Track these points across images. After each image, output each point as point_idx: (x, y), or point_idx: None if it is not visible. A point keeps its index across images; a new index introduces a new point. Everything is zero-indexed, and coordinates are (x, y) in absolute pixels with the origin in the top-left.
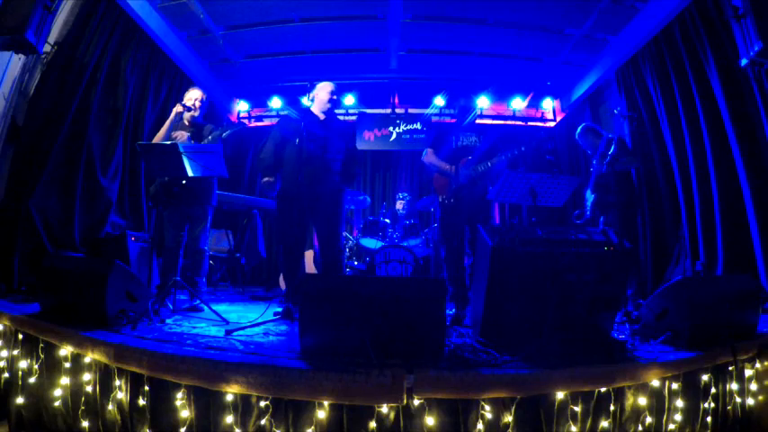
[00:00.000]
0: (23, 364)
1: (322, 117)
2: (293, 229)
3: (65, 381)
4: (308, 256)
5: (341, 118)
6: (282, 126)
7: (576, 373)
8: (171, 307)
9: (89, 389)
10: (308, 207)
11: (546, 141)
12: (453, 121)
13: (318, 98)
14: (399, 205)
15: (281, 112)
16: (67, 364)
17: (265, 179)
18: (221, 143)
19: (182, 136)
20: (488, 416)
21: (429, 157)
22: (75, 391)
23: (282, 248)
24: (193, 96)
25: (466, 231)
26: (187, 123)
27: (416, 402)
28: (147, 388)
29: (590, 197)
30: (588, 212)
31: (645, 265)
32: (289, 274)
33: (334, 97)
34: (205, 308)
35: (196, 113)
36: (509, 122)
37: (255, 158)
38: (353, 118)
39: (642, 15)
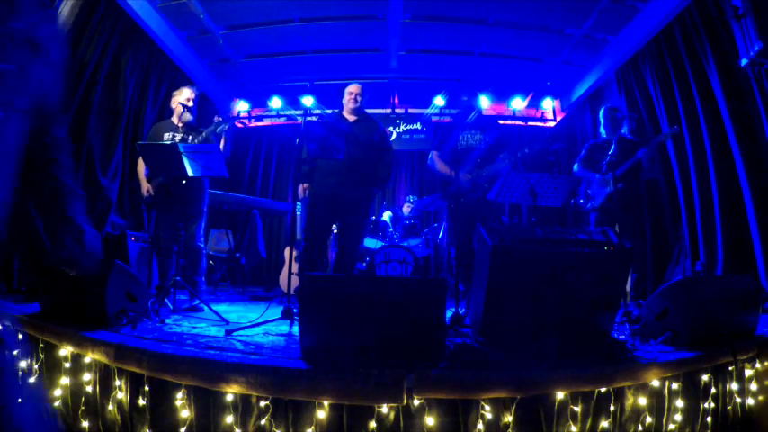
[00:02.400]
0: (23, 364)
1: (351, 119)
2: (322, 234)
3: (65, 381)
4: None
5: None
6: (317, 127)
7: (576, 373)
8: (171, 307)
9: (89, 389)
10: (338, 211)
11: (552, 142)
12: (452, 120)
13: (344, 101)
14: (407, 209)
15: (314, 111)
16: (67, 364)
17: (302, 186)
18: (216, 140)
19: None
20: (488, 416)
21: (434, 160)
22: (75, 391)
23: (310, 248)
24: (186, 96)
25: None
26: (181, 125)
27: (416, 402)
28: (147, 388)
29: (608, 186)
30: (596, 202)
31: (645, 264)
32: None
33: (354, 97)
34: (205, 308)
35: (188, 110)
36: (509, 122)
37: (295, 167)
38: None
39: (642, 15)
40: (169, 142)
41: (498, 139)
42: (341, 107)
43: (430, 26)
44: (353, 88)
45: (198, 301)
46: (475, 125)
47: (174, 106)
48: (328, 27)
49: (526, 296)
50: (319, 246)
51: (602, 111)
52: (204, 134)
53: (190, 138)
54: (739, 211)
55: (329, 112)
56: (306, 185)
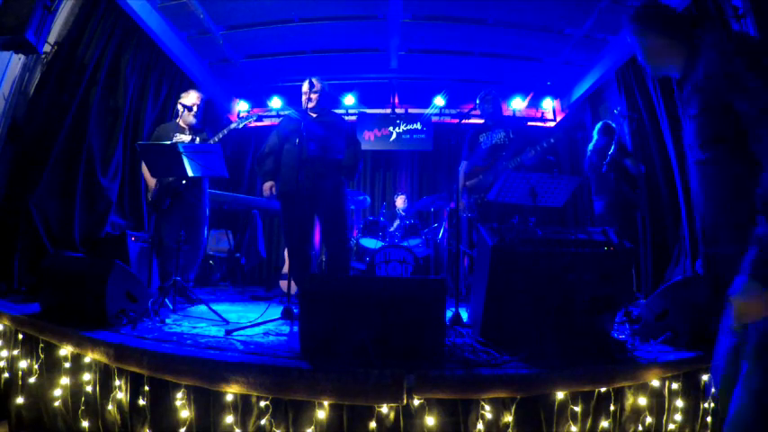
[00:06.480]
0: (23, 364)
1: (314, 115)
2: (298, 229)
3: (65, 381)
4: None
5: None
6: (282, 127)
7: (576, 373)
8: (171, 307)
9: (89, 389)
10: (311, 205)
11: (575, 130)
12: (481, 122)
13: (303, 97)
14: (400, 202)
15: (282, 113)
16: (67, 364)
17: (267, 184)
18: (219, 144)
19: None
20: (488, 416)
21: (464, 171)
22: (75, 391)
23: (289, 248)
24: (191, 100)
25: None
26: (184, 125)
27: (416, 402)
28: (147, 388)
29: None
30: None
31: (645, 264)
32: (297, 273)
33: (307, 92)
34: (204, 308)
35: (194, 112)
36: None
37: (255, 164)
38: (353, 118)
39: None
40: (169, 142)
41: (525, 136)
42: (337, 106)
43: (430, 26)
44: (306, 83)
45: (197, 297)
46: (498, 124)
47: (179, 108)
48: (328, 27)
49: (526, 296)
50: (305, 247)
51: (597, 126)
52: (213, 141)
53: (197, 140)
54: None
55: (292, 112)
56: (271, 184)
